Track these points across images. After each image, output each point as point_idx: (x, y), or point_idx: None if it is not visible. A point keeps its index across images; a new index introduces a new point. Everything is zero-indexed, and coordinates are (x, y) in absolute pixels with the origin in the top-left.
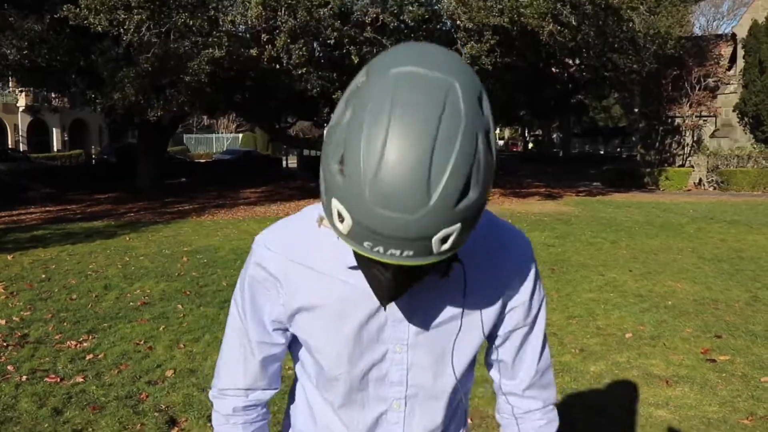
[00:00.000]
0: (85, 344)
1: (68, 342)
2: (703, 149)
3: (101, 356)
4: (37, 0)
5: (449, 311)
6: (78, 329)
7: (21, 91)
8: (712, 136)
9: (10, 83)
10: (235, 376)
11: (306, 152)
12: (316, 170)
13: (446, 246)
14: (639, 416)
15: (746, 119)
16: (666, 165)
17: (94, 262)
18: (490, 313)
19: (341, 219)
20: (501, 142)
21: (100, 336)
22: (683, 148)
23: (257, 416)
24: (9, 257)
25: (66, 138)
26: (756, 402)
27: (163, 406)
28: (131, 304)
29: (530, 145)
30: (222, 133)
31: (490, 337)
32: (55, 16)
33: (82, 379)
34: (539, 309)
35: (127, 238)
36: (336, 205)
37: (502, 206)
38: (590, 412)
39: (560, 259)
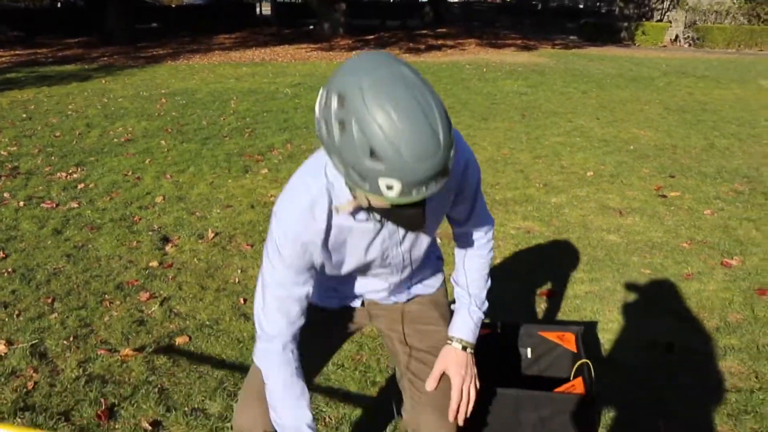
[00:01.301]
0: (74, 175)
1: (58, 173)
2: (683, 4)
3: (92, 185)
4: None
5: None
6: (66, 162)
7: None
8: None
9: None
10: (279, 326)
11: None
12: (290, 16)
13: (451, 165)
14: (593, 239)
15: None
16: (644, 20)
17: (72, 103)
18: (451, 198)
19: (390, 188)
20: None
21: (89, 168)
22: (662, 2)
23: (296, 353)
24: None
25: None
26: (697, 230)
27: (156, 227)
28: (115, 140)
29: None
30: None
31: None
32: None
33: (76, 205)
34: (476, 191)
35: (103, 81)
36: (384, 181)
37: (477, 56)
38: (545, 232)
39: (531, 106)
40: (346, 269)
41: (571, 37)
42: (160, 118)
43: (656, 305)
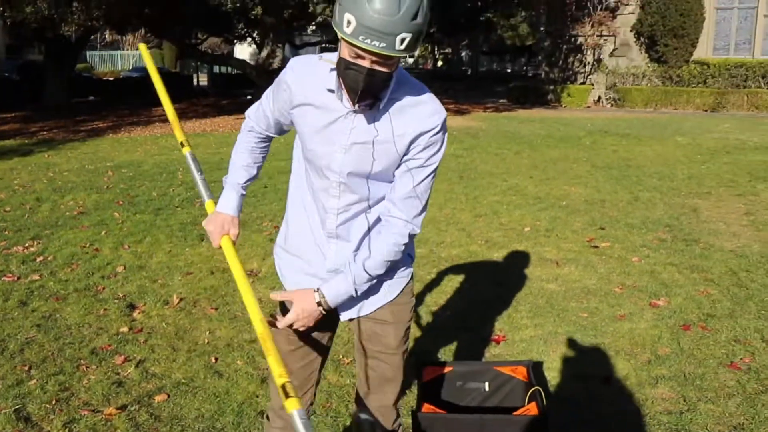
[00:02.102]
0: (32, 249)
1: (14, 248)
2: (603, 68)
3: (51, 258)
4: None
5: (372, 132)
6: (21, 236)
7: None
8: (611, 55)
9: None
10: (257, 120)
11: (216, 69)
12: (227, 87)
13: (401, 47)
14: (533, 288)
15: (642, 39)
16: (568, 83)
17: (17, 178)
18: (399, 147)
19: (348, 24)
20: (411, 60)
21: (45, 242)
22: (584, 66)
23: (261, 140)
24: None
25: None
26: (627, 276)
27: (121, 295)
28: (67, 213)
29: (439, 63)
30: (128, 50)
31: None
32: None
33: (38, 277)
34: (430, 155)
35: (46, 156)
36: (347, 16)
37: None
38: (490, 284)
39: (468, 168)
40: (301, 132)
41: (501, 101)
42: (110, 190)
43: (594, 344)
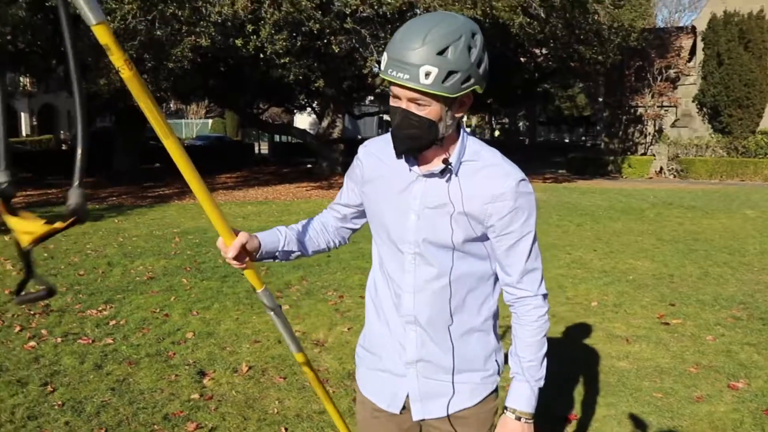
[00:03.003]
0: (105, 312)
1: (89, 311)
2: (664, 138)
3: (123, 322)
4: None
5: (444, 195)
6: (95, 300)
7: None
8: (673, 125)
9: None
10: (337, 199)
11: (277, 138)
12: (287, 156)
13: (427, 81)
14: (604, 366)
15: (705, 110)
16: (629, 153)
17: (90, 242)
18: (474, 213)
19: (382, 61)
20: (468, 130)
21: (117, 306)
22: (645, 137)
23: (335, 218)
24: (6, 238)
25: (35, 123)
26: (701, 355)
27: (191, 361)
28: (137, 278)
29: (496, 133)
30: (191, 118)
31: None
32: (47, 3)
33: (111, 341)
34: (522, 222)
35: (116, 221)
36: (384, 54)
37: None
38: (559, 361)
39: None
40: (372, 210)
41: (560, 171)
42: (177, 256)
43: (671, 427)
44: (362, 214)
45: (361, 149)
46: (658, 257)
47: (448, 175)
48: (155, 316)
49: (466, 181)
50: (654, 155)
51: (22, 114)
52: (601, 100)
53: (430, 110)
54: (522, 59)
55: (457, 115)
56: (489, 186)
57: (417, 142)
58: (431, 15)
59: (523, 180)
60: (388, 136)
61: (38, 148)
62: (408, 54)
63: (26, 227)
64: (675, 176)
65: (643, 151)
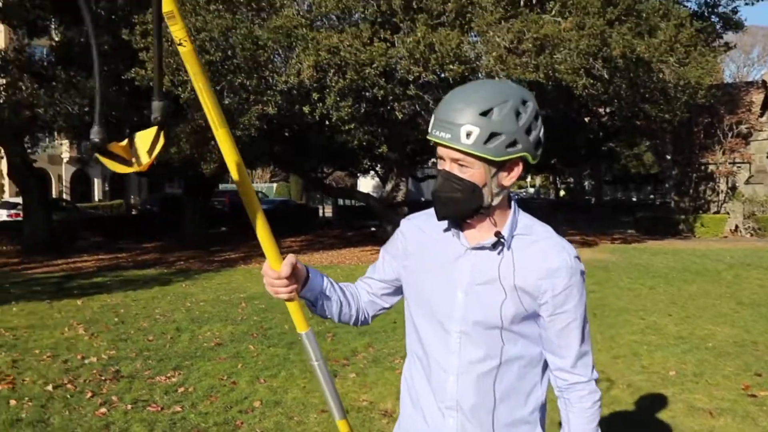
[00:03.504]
0: (173, 379)
1: (158, 377)
2: (738, 196)
3: (191, 389)
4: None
5: (494, 271)
6: (164, 366)
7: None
8: (747, 182)
9: (57, 136)
10: (370, 272)
11: (341, 201)
12: (351, 220)
13: (468, 141)
14: None
15: None
16: (701, 212)
17: (159, 307)
18: (527, 288)
19: (430, 123)
20: (532, 190)
21: (186, 372)
22: (718, 194)
23: (355, 292)
24: (78, 302)
25: (107, 188)
26: None
27: (259, 431)
28: (205, 344)
29: (562, 193)
30: (257, 182)
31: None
32: (123, 77)
33: (180, 409)
34: (576, 301)
35: (183, 285)
36: (432, 117)
37: None
38: None
39: (601, 304)
40: (414, 284)
41: (629, 231)
42: (244, 322)
43: None
44: (396, 291)
45: (404, 222)
46: (738, 322)
47: (500, 248)
48: (223, 384)
49: (519, 255)
50: (728, 213)
51: (95, 180)
52: (669, 157)
53: (473, 173)
54: (586, 119)
55: (505, 184)
56: (544, 260)
57: (459, 207)
58: (482, 81)
59: (577, 257)
60: (431, 209)
61: (109, 213)
62: (451, 114)
63: (123, 153)
64: (752, 235)
65: (716, 210)
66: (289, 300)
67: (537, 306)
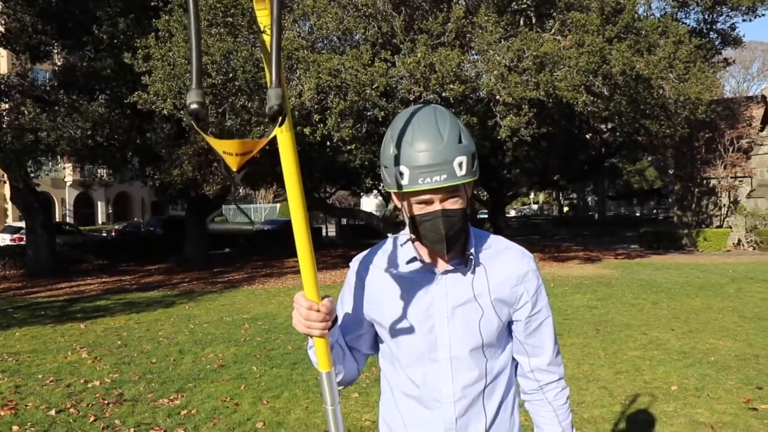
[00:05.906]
0: (176, 401)
1: (161, 400)
2: (740, 210)
3: (194, 411)
4: (101, 86)
5: (468, 290)
6: (167, 389)
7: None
8: (749, 196)
9: (60, 160)
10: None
11: (344, 221)
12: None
13: (462, 172)
14: None
15: None
16: (703, 226)
17: (162, 330)
18: (505, 298)
19: (402, 176)
20: (535, 206)
21: (188, 394)
22: (720, 209)
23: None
24: (81, 326)
25: (110, 211)
26: None
27: None
28: (208, 366)
29: (565, 209)
30: (260, 203)
31: (510, 326)
32: (125, 101)
33: (182, 431)
34: (546, 300)
35: (187, 307)
36: (398, 170)
37: (542, 270)
38: None
39: (604, 319)
40: (387, 322)
41: (632, 246)
42: (247, 343)
43: None
44: (372, 337)
45: (355, 264)
46: (741, 336)
47: (470, 266)
48: (226, 405)
49: (490, 269)
50: (730, 227)
51: (99, 203)
52: (671, 172)
53: (460, 199)
54: (587, 136)
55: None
56: (512, 269)
57: (460, 236)
58: (419, 115)
59: (533, 258)
60: (383, 243)
61: (113, 236)
62: (436, 155)
63: (226, 147)
64: (754, 248)
65: (718, 224)
66: (321, 337)
67: (513, 313)
